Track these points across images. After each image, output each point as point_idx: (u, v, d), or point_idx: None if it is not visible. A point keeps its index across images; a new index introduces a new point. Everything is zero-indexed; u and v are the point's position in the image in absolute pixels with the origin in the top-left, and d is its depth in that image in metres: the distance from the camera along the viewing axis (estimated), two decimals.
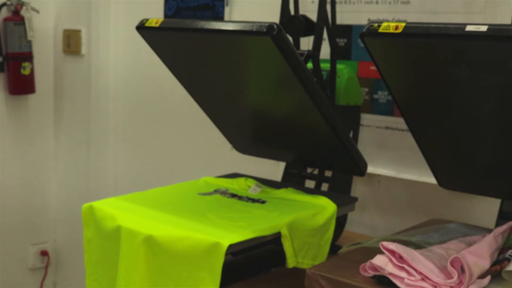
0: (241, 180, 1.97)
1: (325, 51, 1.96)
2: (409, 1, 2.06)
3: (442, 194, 1.96)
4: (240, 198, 1.82)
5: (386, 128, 2.16)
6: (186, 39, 1.75)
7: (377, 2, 2.13)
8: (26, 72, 2.97)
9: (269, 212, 1.68)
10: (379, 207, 2.23)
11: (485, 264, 1.34)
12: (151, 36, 1.82)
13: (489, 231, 1.52)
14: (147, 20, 1.78)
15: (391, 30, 1.39)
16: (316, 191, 1.93)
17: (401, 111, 1.60)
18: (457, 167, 1.70)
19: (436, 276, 1.30)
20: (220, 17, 2.58)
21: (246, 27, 1.58)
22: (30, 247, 3.22)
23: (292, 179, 2.05)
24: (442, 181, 1.76)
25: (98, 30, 2.98)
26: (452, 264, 1.30)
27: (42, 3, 2.98)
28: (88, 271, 1.67)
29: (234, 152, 2.18)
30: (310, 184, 2.07)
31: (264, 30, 1.53)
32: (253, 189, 1.88)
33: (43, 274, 3.26)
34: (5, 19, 2.92)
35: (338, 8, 2.02)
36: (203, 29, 1.67)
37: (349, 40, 2.20)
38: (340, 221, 1.93)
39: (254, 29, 1.56)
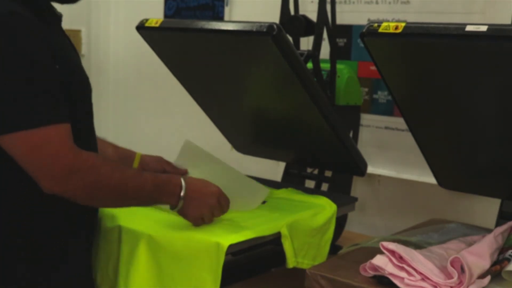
0: None
1: (325, 51, 1.96)
2: (409, 1, 2.06)
3: (442, 194, 1.96)
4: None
5: (386, 128, 2.16)
6: (186, 39, 1.75)
7: (377, 2, 2.13)
8: None
9: (269, 212, 1.68)
10: (379, 207, 2.23)
11: (485, 264, 1.34)
12: (151, 36, 1.82)
13: (489, 231, 1.52)
14: (147, 20, 1.78)
15: (391, 30, 1.39)
16: (316, 191, 1.93)
17: (401, 111, 1.61)
18: (457, 167, 1.71)
19: (436, 276, 1.30)
20: (220, 17, 2.58)
21: (246, 27, 1.58)
22: None
23: (292, 179, 2.05)
24: (442, 181, 1.76)
25: (98, 30, 2.98)
26: (452, 264, 1.30)
27: None
28: None
29: (234, 152, 2.18)
30: (310, 184, 2.07)
31: (264, 30, 1.53)
32: None
33: None
34: None
35: (338, 8, 2.02)
36: (203, 29, 1.67)
37: (349, 40, 2.20)
38: (340, 221, 1.93)
39: (254, 29, 1.56)
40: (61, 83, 1.36)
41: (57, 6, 1.52)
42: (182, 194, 1.49)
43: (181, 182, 1.50)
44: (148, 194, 1.47)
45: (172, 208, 1.51)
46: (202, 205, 1.52)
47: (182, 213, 1.52)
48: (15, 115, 1.31)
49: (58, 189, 1.35)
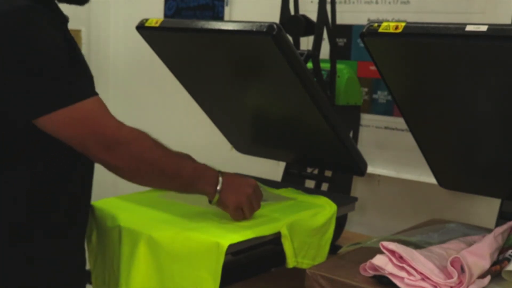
0: None
1: (325, 51, 1.96)
2: (409, 1, 2.06)
3: (442, 194, 1.96)
4: None
5: (386, 128, 2.16)
6: (186, 39, 1.75)
7: (377, 2, 2.13)
8: None
9: (269, 212, 1.68)
10: (379, 207, 2.23)
11: (485, 264, 1.34)
12: (151, 36, 1.82)
13: (489, 231, 1.52)
14: (147, 20, 1.78)
15: (391, 30, 1.39)
16: (316, 191, 1.93)
17: (401, 111, 1.61)
18: (457, 167, 1.71)
19: (436, 276, 1.30)
20: (220, 17, 2.58)
21: (246, 27, 1.58)
22: None
23: (292, 179, 2.05)
24: (442, 181, 1.76)
25: (98, 30, 2.98)
26: (452, 264, 1.30)
27: None
28: (92, 271, 1.67)
29: (234, 152, 2.18)
30: (310, 184, 2.07)
31: (264, 30, 1.53)
32: None
33: None
34: None
35: (338, 8, 2.02)
36: (203, 29, 1.67)
37: (349, 40, 2.20)
38: (340, 221, 1.93)
39: (254, 29, 1.56)
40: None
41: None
42: (219, 184, 1.52)
43: (217, 172, 1.54)
44: (187, 177, 1.50)
45: (210, 198, 1.53)
46: (240, 193, 1.54)
47: (221, 203, 1.53)
48: (53, 94, 1.35)
49: (108, 157, 1.39)
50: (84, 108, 1.37)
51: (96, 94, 1.42)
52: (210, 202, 1.54)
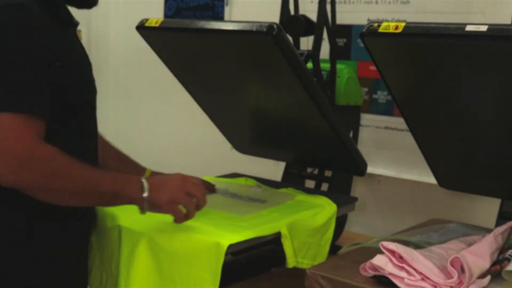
0: (241, 180, 1.97)
1: (325, 51, 1.96)
2: (409, 1, 2.06)
3: (442, 194, 1.96)
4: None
5: (386, 128, 2.16)
6: (186, 39, 1.75)
7: (376, 2, 2.13)
8: None
9: (269, 212, 1.68)
10: (379, 207, 2.23)
11: (485, 264, 1.34)
12: (151, 36, 1.82)
13: (489, 231, 1.52)
14: (147, 20, 1.78)
15: (391, 30, 1.39)
16: (316, 191, 1.93)
17: (401, 111, 1.61)
18: (457, 167, 1.71)
19: (436, 276, 1.30)
20: (220, 17, 2.58)
21: (246, 27, 1.58)
22: None
23: (292, 179, 2.05)
24: (442, 181, 1.76)
25: (98, 30, 2.98)
26: (452, 264, 1.30)
27: None
28: (89, 272, 1.67)
29: (234, 152, 2.18)
30: (310, 184, 2.07)
31: (264, 30, 1.53)
32: (254, 191, 1.88)
33: None
34: None
35: (338, 8, 2.02)
36: (203, 29, 1.67)
37: (349, 40, 2.20)
38: (340, 221, 1.93)
39: (254, 29, 1.56)
40: (54, 82, 1.37)
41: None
42: (145, 189, 1.43)
43: (140, 178, 1.47)
44: (109, 188, 1.42)
45: (140, 204, 1.45)
46: (168, 189, 1.47)
47: (152, 206, 1.45)
48: None
49: (13, 180, 1.32)
50: (4, 120, 1.30)
51: (23, 110, 1.31)
52: (141, 210, 1.46)
